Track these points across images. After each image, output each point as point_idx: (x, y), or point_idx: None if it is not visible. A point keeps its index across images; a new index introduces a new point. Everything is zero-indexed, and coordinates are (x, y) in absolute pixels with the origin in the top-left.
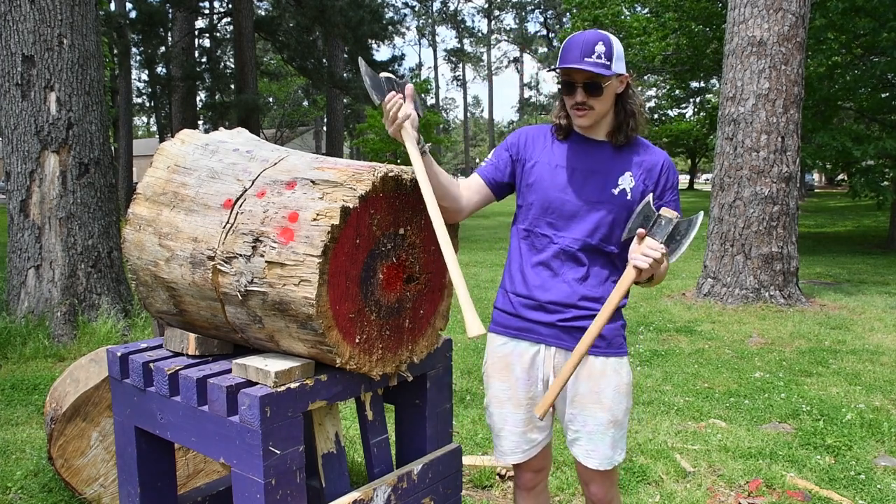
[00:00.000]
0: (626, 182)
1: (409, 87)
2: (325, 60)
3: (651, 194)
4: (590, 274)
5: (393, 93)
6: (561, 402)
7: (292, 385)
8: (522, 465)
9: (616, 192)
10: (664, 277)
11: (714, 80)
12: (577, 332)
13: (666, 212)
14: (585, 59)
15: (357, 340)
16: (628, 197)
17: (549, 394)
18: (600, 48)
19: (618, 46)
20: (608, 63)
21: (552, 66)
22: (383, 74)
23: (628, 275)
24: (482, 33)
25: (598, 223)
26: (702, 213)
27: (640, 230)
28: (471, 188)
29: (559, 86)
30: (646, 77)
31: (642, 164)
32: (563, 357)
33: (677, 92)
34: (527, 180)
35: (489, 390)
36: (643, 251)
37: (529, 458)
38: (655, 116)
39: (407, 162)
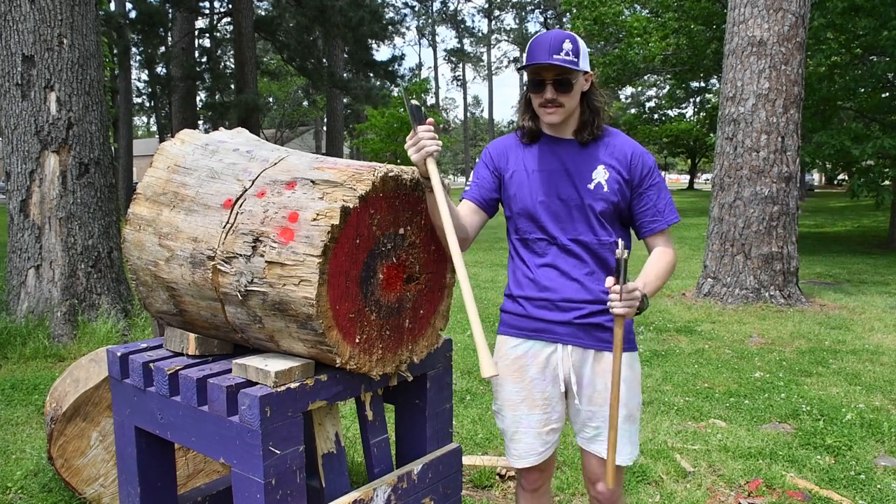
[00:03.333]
0: (600, 175)
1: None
2: (325, 60)
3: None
4: (595, 268)
5: (428, 124)
6: (577, 400)
7: (292, 385)
8: (530, 466)
9: (592, 186)
10: (666, 279)
11: (714, 80)
12: (592, 328)
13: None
14: (554, 56)
15: (357, 340)
16: (604, 189)
17: None
18: (567, 45)
19: (583, 45)
20: (576, 60)
21: (520, 66)
22: (413, 102)
23: (617, 329)
24: (482, 33)
25: (585, 219)
26: (622, 241)
27: (609, 280)
28: (468, 214)
29: (526, 86)
30: (646, 77)
31: (613, 155)
32: (579, 355)
33: (677, 92)
34: (508, 191)
35: (501, 393)
36: (623, 298)
37: (544, 459)
38: (655, 116)
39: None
